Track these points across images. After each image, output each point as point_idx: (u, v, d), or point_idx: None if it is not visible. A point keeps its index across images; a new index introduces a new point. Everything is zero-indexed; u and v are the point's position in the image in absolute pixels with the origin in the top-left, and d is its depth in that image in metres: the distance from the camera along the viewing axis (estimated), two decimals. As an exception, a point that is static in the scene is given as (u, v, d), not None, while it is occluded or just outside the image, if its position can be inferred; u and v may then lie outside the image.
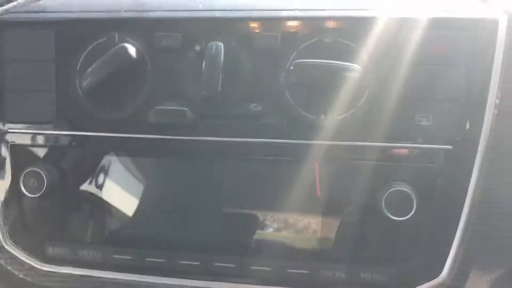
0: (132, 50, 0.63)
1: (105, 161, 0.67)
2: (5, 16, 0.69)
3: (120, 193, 0.68)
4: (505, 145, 0.59)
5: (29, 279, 0.69)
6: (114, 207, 0.68)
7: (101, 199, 0.68)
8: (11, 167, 0.68)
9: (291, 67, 0.60)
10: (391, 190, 0.57)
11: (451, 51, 0.60)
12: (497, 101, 0.59)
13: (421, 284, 0.61)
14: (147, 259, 0.66)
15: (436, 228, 0.60)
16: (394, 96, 0.60)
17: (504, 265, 0.61)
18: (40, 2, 0.71)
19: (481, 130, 0.59)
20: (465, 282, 0.60)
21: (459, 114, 0.59)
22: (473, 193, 0.59)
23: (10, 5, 0.71)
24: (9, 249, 0.69)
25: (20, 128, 0.68)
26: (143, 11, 0.66)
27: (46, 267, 0.68)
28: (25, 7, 0.70)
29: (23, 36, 0.68)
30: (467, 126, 0.59)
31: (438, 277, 0.60)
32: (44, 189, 0.65)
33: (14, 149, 0.68)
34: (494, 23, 0.59)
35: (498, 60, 0.59)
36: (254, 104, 0.63)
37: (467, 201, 0.59)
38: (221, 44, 0.61)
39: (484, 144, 0.59)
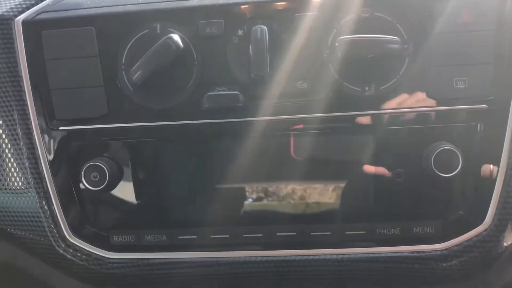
0: (179, 40, 0.65)
1: (160, 149, 0.70)
2: (41, 16, 0.69)
3: (178, 178, 0.71)
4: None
5: (97, 268, 0.72)
6: (173, 192, 0.71)
7: (160, 185, 0.71)
8: (68, 163, 0.70)
9: (336, 43, 0.64)
10: (439, 150, 0.63)
11: (479, 18, 0.64)
12: (524, 60, 0.64)
13: (466, 232, 0.67)
14: (211, 236, 0.70)
15: (478, 180, 0.66)
16: (431, 63, 0.65)
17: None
18: (73, -1, 0.72)
19: (512, 88, 0.65)
20: (506, 227, 0.67)
21: (491, 76, 0.64)
22: (509, 146, 0.65)
23: (43, 3, 0.71)
24: (75, 242, 0.72)
25: (71, 124, 0.70)
26: (181, 0, 0.68)
27: (114, 255, 0.72)
28: (59, 5, 0.70)
29: (63, 34, 0.68)
30: (499, 86, 0.64)
31: (481, 225, 0.67)
32: (106, 181, 0.67)
33: (68, 145, 0.70)
34: (518, -13, 0.64)
35: (523, 22, 0.64)
36: (300, 82, 0.66)
37: (503, 155, 0.65)
38: (265, 28, 0.64)
39: (515, 101, 0.65)
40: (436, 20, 0.64)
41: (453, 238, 0.67)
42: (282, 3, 0.66)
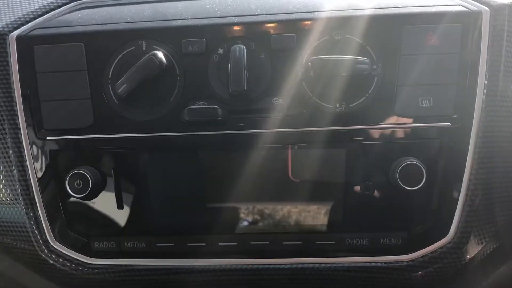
0: (162, 57, 0.69)
1: (142, 159, 0.73)
2: (33, 32, 0.73)
3: (158, 187, 0.74)
4: (494, 118, 0.68)
5: (78, 273, 0.74)
6: (153, 201, 0.74)
7: (141, 194, 0.74)
8: (54, 172, 0.73)
9: (309, 63, 0.68)
10: (404, 164, 0.66)
11: (443, 41, 0.68)
12: (486, 82, 0.68)
13: (431, 244, 0.71)
14: (188, 244, 0.73)
15: (442, 194, 0.70)
16: (398, 82, 0.69)
17: (498, 223, 0.72)
18: (65, 17, 0.76)
19: (474, 107, 0.68)
20: (469, 238, 0.70)
21: (455, 96, 0.69)
22: (471, 163, 0.69)
23: (37, 21, 0.76)
24: (57, 248, 0.74)
25: (58, 134, 0.73)
26: (166, 20, 0.72)
27: (94, 261, 0.74)
28: (51, 22, 0.74)
29: (54, 49, 0.72)
30: (462, 105, 0.69)
31: (445, 237, 0.70)
32: (89, 189, 0.70)
33: (55, 154, 0.73)
34: (479, 14, 0.68)
35: (484, 46, 0.68)
36: (275, 98, 0.70)
37: (466, 170, 0.69)
38: (244, 47, 0.68)
39: (477, 119, 0.68)
40: (403, 43, 0.68)
41: (419, 250, 0.71)
42: (260, 24, 0.70)
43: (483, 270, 0.74)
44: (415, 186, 0.67)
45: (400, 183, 0.66)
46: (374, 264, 0.71)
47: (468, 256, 0.70)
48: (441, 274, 0.70)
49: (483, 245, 0.71)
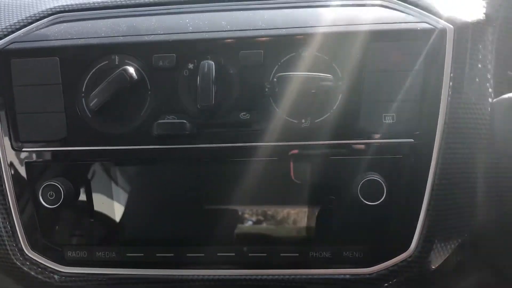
0: (133, 71, 0.71)
1: (113, 171, 0.75)
2: (10, 46, 0.76)
3: (129, 199, 0.76)
4: (456, 135, 0.70)
5: (52, 281, 0.76)
6: (124, 212, 0.76)
7: (112, 205, 0.76)
8: (29, 182, 0.75)
9: (275, 79, 0.70)
10: (365, 180, 0.68)
11: (408, 58, 0.69)
12: (449, 99, 0.70)
13: (392, 258, 0.72)
14: (157, 254, 0.75)
15: (404, 210, 0.71)
16: (362, 99, 0.70)
17: (459, 238, 0.73)
18: (42, 31, 0.78)
19: (437, 124, 0.70)
20: (429, 253, 0.71)
21: (417, 112, 0.70)
22: (432, 179, 0.70)
23: (15, 34, 0.78)
24: (31, 256, 0.77)
25: (34, 146, 0.75)
26: (139, 35, 0.74)
27: (67, 269, 0.76)
28: (29, 36, 0.77)
29: (30, 62, 0.74)
30: (425, 121, 0.70)
31: (406, 251, 0.71)
32: (61, 200, 0.72)
33: (30, 165, 0.75)
34: (443, 32, 0.70)
35: (448, 64, 0.69)
36: (243, 113, 0.72)
37: (428, 185, 0.70)
38: (212, 62, 0.70)
39: (439, 136, 0.69)
40: (368, 60, 0.70)
41: (380, 263, 0.72)
42: (229, 41, 0.72)
43: (446, 283, 0.76)
44: (375, 201, 0.68)
45: (361, 198, 0.68)
46: (336, 276, 0.73)
47: (429, 270, 0.71)
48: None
49: (445, 258, 0.72)
